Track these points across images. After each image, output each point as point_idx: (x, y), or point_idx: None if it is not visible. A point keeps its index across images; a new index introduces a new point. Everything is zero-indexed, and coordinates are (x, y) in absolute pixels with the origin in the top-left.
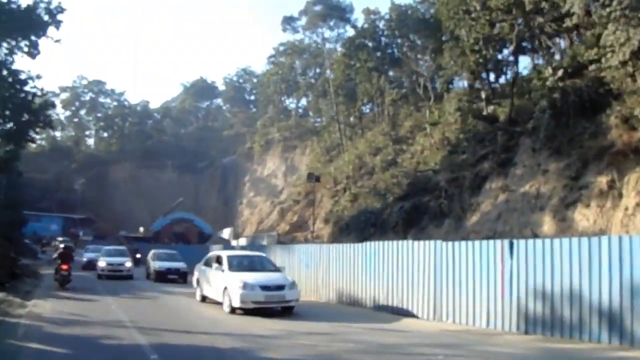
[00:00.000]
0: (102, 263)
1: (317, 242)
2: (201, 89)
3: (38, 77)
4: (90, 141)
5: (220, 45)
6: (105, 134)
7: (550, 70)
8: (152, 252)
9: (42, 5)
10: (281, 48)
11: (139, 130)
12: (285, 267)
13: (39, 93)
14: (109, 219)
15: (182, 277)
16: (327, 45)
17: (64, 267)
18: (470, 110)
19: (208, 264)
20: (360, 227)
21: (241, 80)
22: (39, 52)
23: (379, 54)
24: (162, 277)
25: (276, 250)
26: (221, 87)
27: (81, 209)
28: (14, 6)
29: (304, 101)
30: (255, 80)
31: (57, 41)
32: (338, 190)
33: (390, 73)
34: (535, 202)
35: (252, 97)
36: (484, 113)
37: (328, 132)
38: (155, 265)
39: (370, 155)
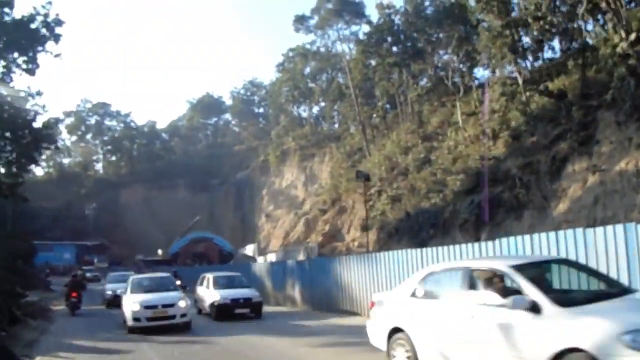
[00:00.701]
0: (135, 306)
1: (362, 251)
2: (208, 105)
3: (39, 93)
4: (99, 165)
5: (225, 59)
6: (114, 157)
7: (622, 34)
8: (207, 276)
9: (40, 18)
10: (290, 54)
11: (148, 151)
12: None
13: (40, 111)
14: (123, 243)
15: (255, 310)
16: (341, 46)
17: (74, 294)
18: (515, 95)
19: None
20: (414, 229)
21: (249, 93)
22: (37, 66)
23: (397, 48)
24: (227, 312)
25: (349, 263)
26: (228, 101)
27: (93, 235)
28: (8, 18)
29: (317, 107)
30: (263, 91)
31: (57, 56)
32: (372, 194)
33: (412, 68)
34: (637, 180)
35: (262, 110)
36: (541, 91)
37: (350, 135)
38: (213, 295)
39: (400, 154)
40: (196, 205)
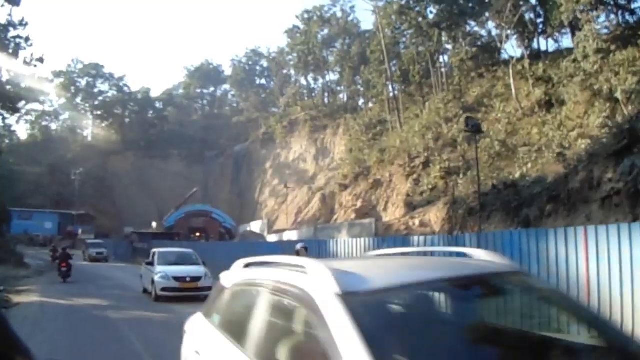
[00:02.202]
0: (160, 278)
1: (426, 231)
2: (206, 73)
3: (22, 24)
4: (87, 131)
5: (226, 25)
6: (104, 123)
7: None
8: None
9: None
10: (306, 16)
11: (141, 119)
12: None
13: (23, 44)
14: (111, 214)
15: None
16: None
17: (64, 265)
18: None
19: None
20: (511, 205)
21: (250, 62)
22: None
23: (437, 8)
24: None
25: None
26: (228, 70)
27: (79, 204)
28: None
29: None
30: (265, 62)
31: None
32: (415, 166)
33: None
34: None
35: (264, 81)
36: None
37: (379, 102)
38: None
39: (445, 124)
40: (190, 178)
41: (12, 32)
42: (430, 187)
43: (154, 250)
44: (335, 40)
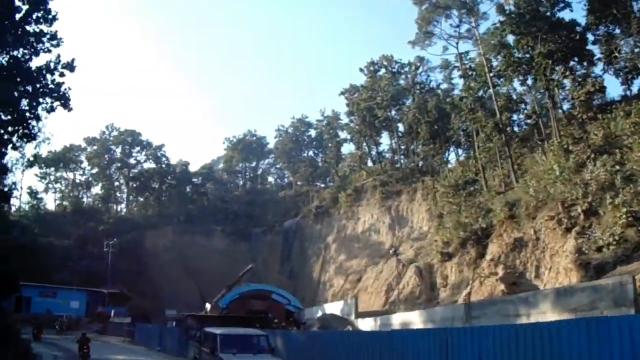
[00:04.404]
0: None
1: None
2: (249, 145)
3: (54, 38)
4: (122, 204)
5: (270, 94)
6: (139, 196)
7: None
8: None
9: None
10: (376, 64)
11: (179, 193)
12: None
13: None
14: (148, 295)
15: None
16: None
17: (85, 348)
18: None
19: None
20: None
21: (297, 133)
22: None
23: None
24: None
25: None
26: (272, 142)
27: (111, 282)
28: None
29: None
30: (313, 133)
31: None
32: (574, 216)
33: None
34: None
35: (311, 153)
36: None
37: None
38: None
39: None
40: (236, 256)
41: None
42: (613, 239)
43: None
44: (403, 95)
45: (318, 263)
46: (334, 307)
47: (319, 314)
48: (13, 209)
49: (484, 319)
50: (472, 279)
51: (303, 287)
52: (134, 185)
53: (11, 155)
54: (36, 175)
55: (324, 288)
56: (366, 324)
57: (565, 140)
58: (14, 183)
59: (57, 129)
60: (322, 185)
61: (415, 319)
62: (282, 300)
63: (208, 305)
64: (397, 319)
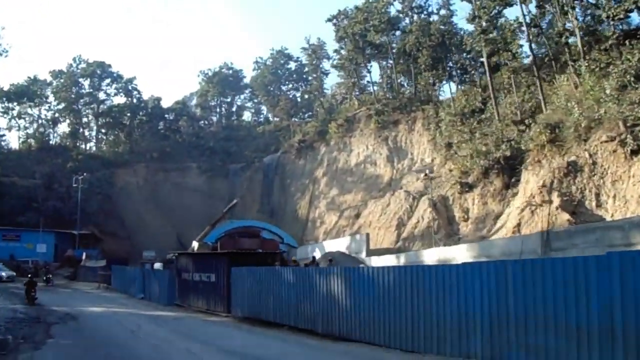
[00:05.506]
0: None
1: None
2: (225, 79)
3: None
4: (91, 142)
5: (247, 25)
6: (109, 132)
7: None
8: None
9: None
10: None
11: (151, 129)
12: None
13: None
14: (120, 236)
15: None
16: None
17: (33, 291)
18: None
19: None
20: None
21: (277, 65)
22: None
23: None
24: None
25: None
26: (249, 75)
27: (81, 224)
28: None
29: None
30: (293, 66)
31: None
32: (638, 137)
33: None
34: None
35: (290, 85)
36: None
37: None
38: None
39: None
40: (213, 194)
41: None
42: None
43: None
44: (399, 20)
45: (304, 199)
46: (336, 244)
47: (316, 252)
48: None
49: (574, 251)
50: (502, 209)
51: (287, 226)
52: (104, 121)
53: None
54: None
55: (314, 226)
56: (382, 262)
57: (596, 65)
58: None
59: (20, 64)
60: (304, 120)
61: (458, 254)
62: (274, 237)
63: (195, 244)
64: (432, 255)
